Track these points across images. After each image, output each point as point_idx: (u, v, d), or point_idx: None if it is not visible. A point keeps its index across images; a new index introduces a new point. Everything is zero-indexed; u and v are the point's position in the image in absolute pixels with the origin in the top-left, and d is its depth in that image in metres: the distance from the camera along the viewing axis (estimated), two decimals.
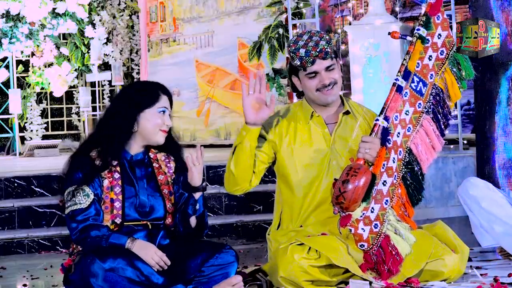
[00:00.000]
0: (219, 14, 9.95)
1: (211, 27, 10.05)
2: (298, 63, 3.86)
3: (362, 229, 3.69)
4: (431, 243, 3.79)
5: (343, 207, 3.65)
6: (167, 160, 3.70)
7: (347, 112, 3.98)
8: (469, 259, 4.02)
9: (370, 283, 3.66)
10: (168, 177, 3.66)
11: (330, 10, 9.00)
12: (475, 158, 5.78)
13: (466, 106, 7.64)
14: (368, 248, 3.70)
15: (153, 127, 3.59)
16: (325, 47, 3.83)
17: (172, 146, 3.70)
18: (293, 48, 3.86)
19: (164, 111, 3.61)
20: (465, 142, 6.78)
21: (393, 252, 3.71)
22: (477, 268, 4.10)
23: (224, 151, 9.45)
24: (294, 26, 7.63)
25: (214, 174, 6.62)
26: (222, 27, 9.90)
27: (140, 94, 3.61)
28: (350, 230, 3.69)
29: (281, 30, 7.95)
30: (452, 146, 6.76)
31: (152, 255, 3.42)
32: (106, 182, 3.54)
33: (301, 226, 3.92)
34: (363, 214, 3.69)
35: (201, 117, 10.12)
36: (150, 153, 3.68)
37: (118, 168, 3.57)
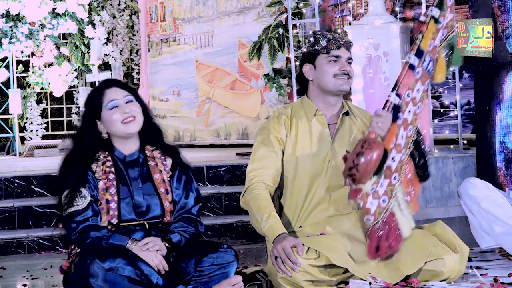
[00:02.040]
0: (219, 14, 9.95)
1: (211, 27, 10.05)
2: (324, 44, 3.94)
3: (371, 203, 3.71)
4: (431, 243, 3.79)
5: (355, 179, 3.67)
6: (163, 157, 3.66)
7: (346, 113, 4.00)
8: (469, 259, 4.01)
9: (370, 283, 3.66)
10: (164, 175, 3.62)
11: (330, 10, 9.01)
12: (475, 158, 5.79)
13: (466, 106, 7.64)
14: (374, 223, 3.72)
15: (115, 125, 3.54)
16: (350, 41, 4.02)
17: (152, 131, 3.64)
18: (320, 32, 4.00)
19: (116, 105, 3.55)
20: (465, 142, 6.78)
21: (397, 230, 3.73)
22: (477, 268, 4.09)
23: (224, 151, 9.47)
24: (294, 26, 7.62)
25: (214, 174, 6.61)
26: (222, 27, 9.89)
27: (87, 106, 3.61)
28: (360, 203, 3.71)
29: (281, 30, 7.94)
30: (452, 146, 6.76)
31: (152, 257, 3.40)
32: (101, 184, 3.51)
33: (300, 226, 3.92)
34: (373, 188, 3.71)
35: (201, 117, 10.12)
36: (146, 151, 3.65)
37: (112, 169, 3.55)
